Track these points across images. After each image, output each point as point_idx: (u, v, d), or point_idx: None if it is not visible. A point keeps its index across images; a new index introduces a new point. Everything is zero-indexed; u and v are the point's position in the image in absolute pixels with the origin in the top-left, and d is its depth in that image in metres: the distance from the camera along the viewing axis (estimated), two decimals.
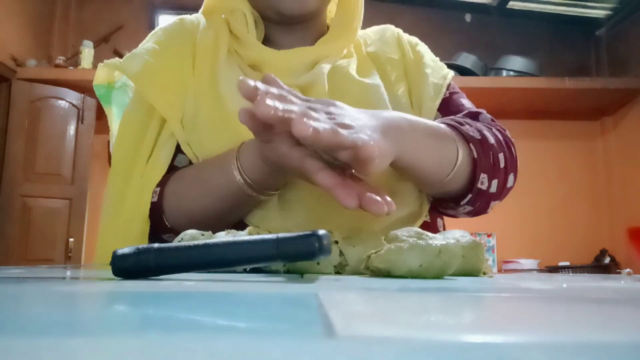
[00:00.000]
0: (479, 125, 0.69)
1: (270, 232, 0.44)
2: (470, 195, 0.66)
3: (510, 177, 0.69)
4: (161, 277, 0.35)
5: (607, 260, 3.02)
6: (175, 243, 0.39)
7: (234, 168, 0.59)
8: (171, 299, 0.23)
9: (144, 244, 0.67)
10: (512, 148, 0.71)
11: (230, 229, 0.66)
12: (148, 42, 0.75)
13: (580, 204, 3.21)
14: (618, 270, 2.83)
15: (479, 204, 0.68)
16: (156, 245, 0.35)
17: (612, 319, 0.20)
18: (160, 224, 0.66)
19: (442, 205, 0.73)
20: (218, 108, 0.68)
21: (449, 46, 3.03)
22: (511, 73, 2.95)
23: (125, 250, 0.35)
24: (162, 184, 0.67)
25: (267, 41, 0.77)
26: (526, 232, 3.13)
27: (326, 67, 0.72)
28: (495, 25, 3.25)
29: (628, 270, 0.75)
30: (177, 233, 0.66)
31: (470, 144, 0.64)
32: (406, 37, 0.82)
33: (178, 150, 0.70)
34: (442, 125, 0.64)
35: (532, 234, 3.13)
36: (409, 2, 3.24)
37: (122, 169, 0.69)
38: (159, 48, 0.73)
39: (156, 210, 0.65)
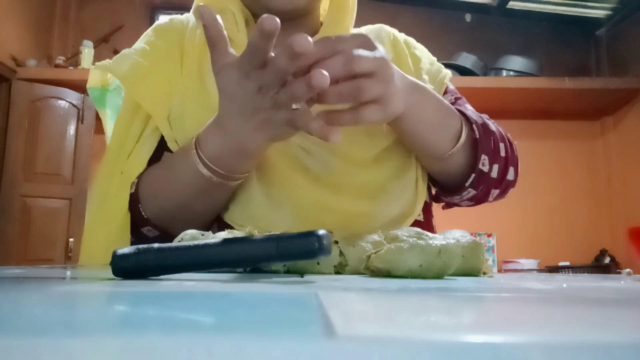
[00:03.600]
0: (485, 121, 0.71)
1: (270, 232, 0.44)
2: (473, 175, 0.67)
3: (511, 170, 0.70)
4: (161, 277, 0.35)
5: (607, 260, 3.02)
6: (175, 243, 0.39)
7: (194, 154, 0.59)
8: (171, 299, 0.23)
9: (127, 239, 0.68)
10: (513, 146, 0.72)
11: (214, 225, 0.67)
12: (139, 43, 0.76)
13: (580, 204, 3.21)
14: (618, 270, 2.83)
15: (482, 188, 0.69)
16: (156, 245, 0.35)
17: (612, 319, 0.20)
18: (138, 215, 0.66)
19: (445, 193, 0.73)
20: (205, 105, 0.68)
21: (449, 46, 3.03)
22: (511, 73, 2.95)
23: (125, 250, 0.35)
24: (140, 176, 0.68)
25: None
26: (526, 232, 3.13)
27: None
28: (495, 25, 3.25)
29: (628, 270, 0.75)
30: (155, 226, 0.66)
31: (473, 125, 0.66)
32: (402, 37, 0.81)
33: (165, 147, 0.70)
34: (446, 102, 0.67)
35: (532, 234, 3.13)
36: (409, 2, 3.24)
37: (106, 167, 0.70)
38: (149, 48, 0.74)
39: (133, 201, 0.66)
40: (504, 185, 0.70)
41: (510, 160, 0.70)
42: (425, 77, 0.77)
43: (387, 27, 0.82)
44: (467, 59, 2.96)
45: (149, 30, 0.78)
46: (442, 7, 3.24)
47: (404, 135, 0.65)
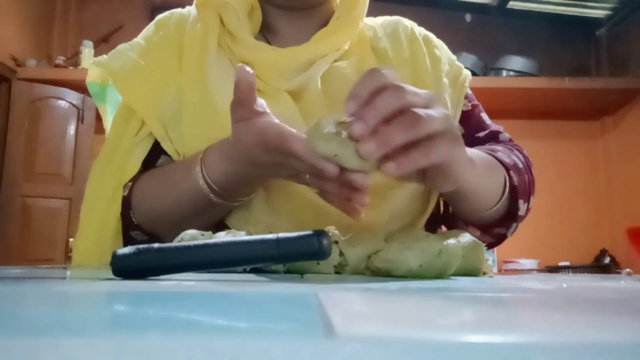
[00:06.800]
0: (505, 149, 0.68)
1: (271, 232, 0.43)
2: (515, 225, 0.66)
3: (532, 199, 0.68)
4: (161, 277, 0.35)
5: (607, 260, 3.02)
6: (175, 243, 0.39)
7: (197, 172, 0.58)
8: (171, 299, 0.23)
9: (120, 243, 0.66)
10: (531, 169, 0.70)
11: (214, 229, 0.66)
12: (138, 37, 0.74)
13: (580, 204, 3.20)
14: (618, 270, 2.83)
15: (512, 229, 0.68)
16: (156, 245, 0.35)
17: (612, 319, 0.20)
18: (128, 219, 0.65)
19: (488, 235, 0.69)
20: (205, 104, 0.66)
21: (449, 46, 3.00)
22: (511, 73, 2.95)
23: (125, 250, 0.35)
24: (134, 179, 0.66)
25: (266, 29, 0.74)
26: (526, 232, 3.12)
27: (321, 69, 0.68)
28: (495, 25, 3.25)
29: (628, 270, 0.74)
30: (145, 232, 0.65)
31: (510, 172, 0.64)
32: (421, 33, 0.77)
33: (162, 151, 0.68)
34: (488, 155, 0.64)
35: (532, 234, 3.13)
36: (409, 2, 3.23)
37: (100, 166, 0.68)
38: (144, 43, 0.72)
39: (125, 205, 0.64)
40: (525, 217, 0.68)
41: (532, 190, 0.68)
42: (445, 80, 0.72)
43: (404, 21, 0.78)
44: (467, 59, 2.96)
45: (151, 24, 0.75)
46: (442, 7, 3.24)
47: (454, 197, 0.60)
